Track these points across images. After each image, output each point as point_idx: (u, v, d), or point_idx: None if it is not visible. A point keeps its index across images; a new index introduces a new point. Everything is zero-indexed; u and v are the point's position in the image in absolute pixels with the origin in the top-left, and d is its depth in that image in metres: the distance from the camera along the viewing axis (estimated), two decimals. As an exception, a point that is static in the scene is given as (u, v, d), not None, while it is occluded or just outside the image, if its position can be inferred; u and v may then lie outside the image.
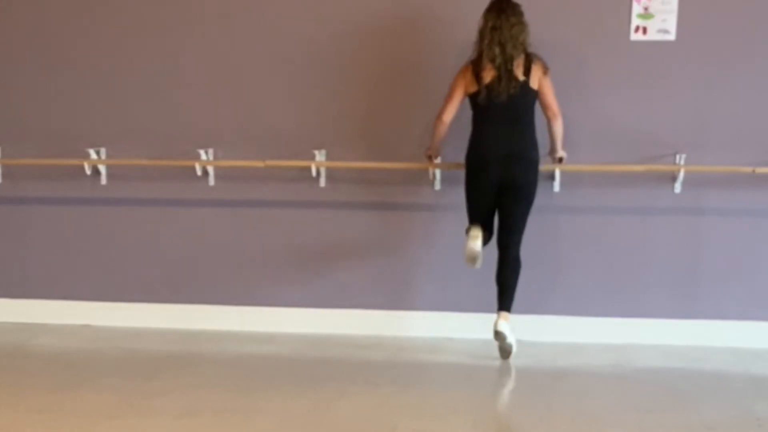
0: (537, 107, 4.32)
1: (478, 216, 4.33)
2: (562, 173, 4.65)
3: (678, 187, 4.64)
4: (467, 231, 4.26)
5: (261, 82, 4.87)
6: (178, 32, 4.91)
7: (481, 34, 4.23)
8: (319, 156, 4.81)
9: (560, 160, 4.52)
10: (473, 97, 4.28)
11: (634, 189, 4.68)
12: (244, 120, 4.90)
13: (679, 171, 4.59)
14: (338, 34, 4.79)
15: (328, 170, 4.86)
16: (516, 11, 4.22)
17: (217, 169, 4.94)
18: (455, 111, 4.36)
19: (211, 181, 4.95)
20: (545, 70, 4.27)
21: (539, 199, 4.49)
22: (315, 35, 4.81)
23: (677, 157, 4.59)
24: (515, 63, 4.19)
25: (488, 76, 4.21)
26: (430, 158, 4.61)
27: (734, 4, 4.57)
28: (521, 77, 4.21)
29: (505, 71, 4.18)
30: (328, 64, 4.81)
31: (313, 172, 4.82)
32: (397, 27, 4.74)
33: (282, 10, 4.82)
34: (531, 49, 4.24)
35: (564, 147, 4.47)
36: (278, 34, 4.83)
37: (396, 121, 4.78)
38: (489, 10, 4.24)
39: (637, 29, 4.62)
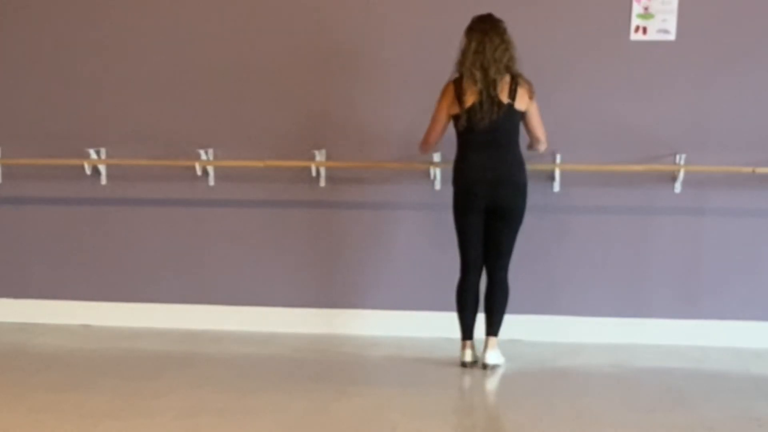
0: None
1: (470, 249, 4.20)
2: (562, 173, 4.65)
3: (678, 187, 4.64)
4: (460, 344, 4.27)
5: (261, 82, 4.86)
6: (178, 32, 4.90)
7: (464, 54, 4.03)
8: (319, 156, 4.81)
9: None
10: (455, 119, 4.14)
11: (634, 189, 4.68)
12: (244, 120, 4.89)
13: (679, 171, 4.59)
14: (337, 34, 4.79)
15: (328, 170, 4.86)
16: (499, 31, 4.01)
17: (217, 169, 4.94)
18: (442, 134, 4.24)
19: (211, 181, 4.95)
20: (531, 95, 4.08)
21: (539, 199, 4.49)
22: (314, 35, 4.80)
23: (677, 157, 4.59)
24: (499, 86, 4.01)
25: (470, 99, 4.02)
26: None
27: (734, 4, 4.56)
28: (506, 99, 4.02)
29: (487, 96, 3.99)
30: (328, 63, 4.81)
31: (313, 172, 4.82)
32: (397, 26, 4.74)
33: (281, 10, 4.82)
34: (518, 67, 4.06)
35: (561, 146, 4.44)
36: (277, 34, 4.82)
37: (395, 121, 4.77)
38: (471, 30, 4.05)
39: (637, 29, 4.61)
